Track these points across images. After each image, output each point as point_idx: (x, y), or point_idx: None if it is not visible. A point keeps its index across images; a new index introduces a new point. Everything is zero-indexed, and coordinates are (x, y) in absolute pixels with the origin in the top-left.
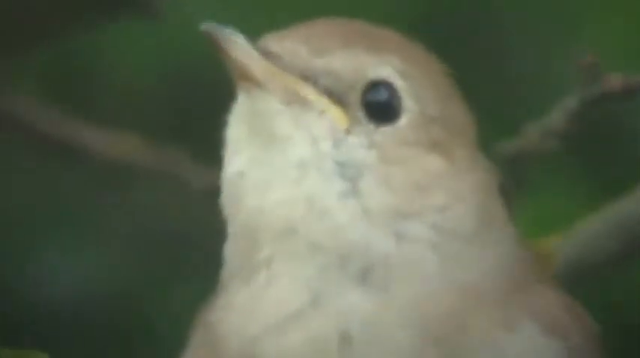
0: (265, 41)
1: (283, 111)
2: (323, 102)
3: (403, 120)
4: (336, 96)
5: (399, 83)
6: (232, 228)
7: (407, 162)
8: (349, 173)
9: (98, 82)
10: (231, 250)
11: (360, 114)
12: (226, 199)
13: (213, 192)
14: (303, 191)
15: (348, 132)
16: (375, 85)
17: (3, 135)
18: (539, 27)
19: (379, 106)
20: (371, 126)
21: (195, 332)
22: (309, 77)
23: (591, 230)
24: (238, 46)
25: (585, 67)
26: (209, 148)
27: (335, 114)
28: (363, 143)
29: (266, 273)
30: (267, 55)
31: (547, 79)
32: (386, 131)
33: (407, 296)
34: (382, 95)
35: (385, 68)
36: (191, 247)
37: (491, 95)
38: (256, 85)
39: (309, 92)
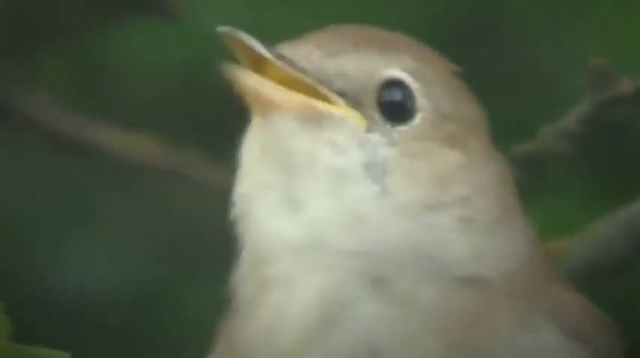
0: (279, 48)
1: (301, 128)
2: (340, 106)
3: (418, 119)
4: (351, 99)
5: (411, 82)
6: (244, 246)
7: (427, 157)
8: (376, 173)
9: (115, 83)
10: (243, 266)
11: (376, 115)
12: (238, 218)
13: (227, 193)
14: (340, 201)
15: (368, 131)
16: (388, 86)
17: (22, 135)
18: (555, 32)
19: (394, 106)
20: (387, 127)
21: (217, 342)
22: (322, 80)
23: (602, 233)
24: (252, 47)
25: (597, 72)
26: (224, 149)
27: (353, 118)
28: (383, 141)
29: (283, 291)
30: (281, 59)
31: (564, 83)
32: (402, 130)
33: (431, 298)
34: (396, 95)
35: (397, 68)
36: (207, 247)
37: (508, 99)
38: (271, 107)
39: (323, 105)
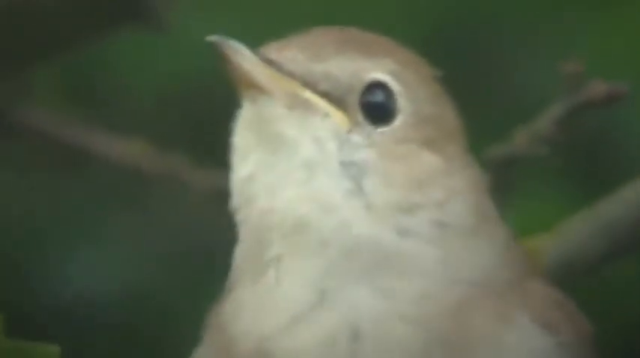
0: (266, 50)
1: (288, 115)
2: (325, 105)
3: (399, 120)
4: (336, 100)
5: (393, 84)
6: (242, 231)
7: (405, 159)
8: (353, 172)
9: (109, 92)
10: (240, 252)
11: (359, 115)
12: (236, 203)
13: (218, 197)
14: (310, 190)
15: (350, 132)
16: (371, 87)
17: (21, 144)
18: (529, 37)
19: (376, 108)
20: (369, 127)
21: (206, 332)
22: (309, 82)
23: (576, 230)
24: (242, 56)
25: (569, 75)
26: (213, 153)
27: (337, 117)
28: (363, 143)
29: (275, 272)
30: (268, 62)
31: (536, 87)
32: (383, 131)
33: (410, 291)
34: (378, 97)
35: (380, 71)
36: (207, 252)
37: (482, 103)
38: (260, 92)
39: (311, 97)
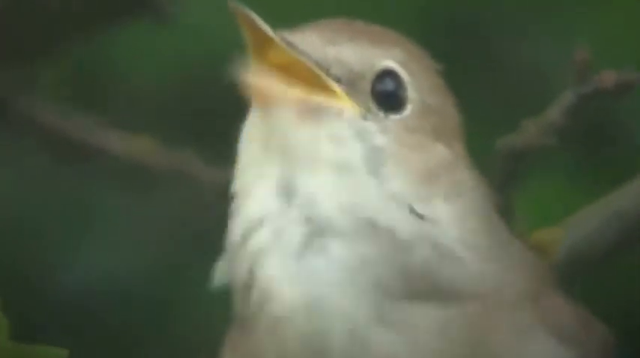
0: (280, 33)
1: (301, 125)
2: (337, 97)
3: (409, 109)
4: (346, 85)
5: (403, 73)
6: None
7: (418, 148)
8: (374, 164)
9: (114, 85)
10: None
11: (370, 103)
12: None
13: (225, 192)
14: (341, 191)
15: (364, 119)
16: (382, 75)
17: (23, 134)
18: (537, 25)
19: (387, 96)
20: (380, 115)
21: (224, 352)
22: (321, 66)
23: (589, 221)
24: (258, 25)
25: (578, 64)
26: (221, 149)
27: (350, 108)
28: (378, 129)
29: (277, 306)
30: (285, 42)
31: (546, 77)
32: (394, 119)
33: (431, 320)
34: (389, 85)
35: (390, 59)
36: (211, 247)
37: (492, 94)
38: (271, 102)
39: (324, 78)
